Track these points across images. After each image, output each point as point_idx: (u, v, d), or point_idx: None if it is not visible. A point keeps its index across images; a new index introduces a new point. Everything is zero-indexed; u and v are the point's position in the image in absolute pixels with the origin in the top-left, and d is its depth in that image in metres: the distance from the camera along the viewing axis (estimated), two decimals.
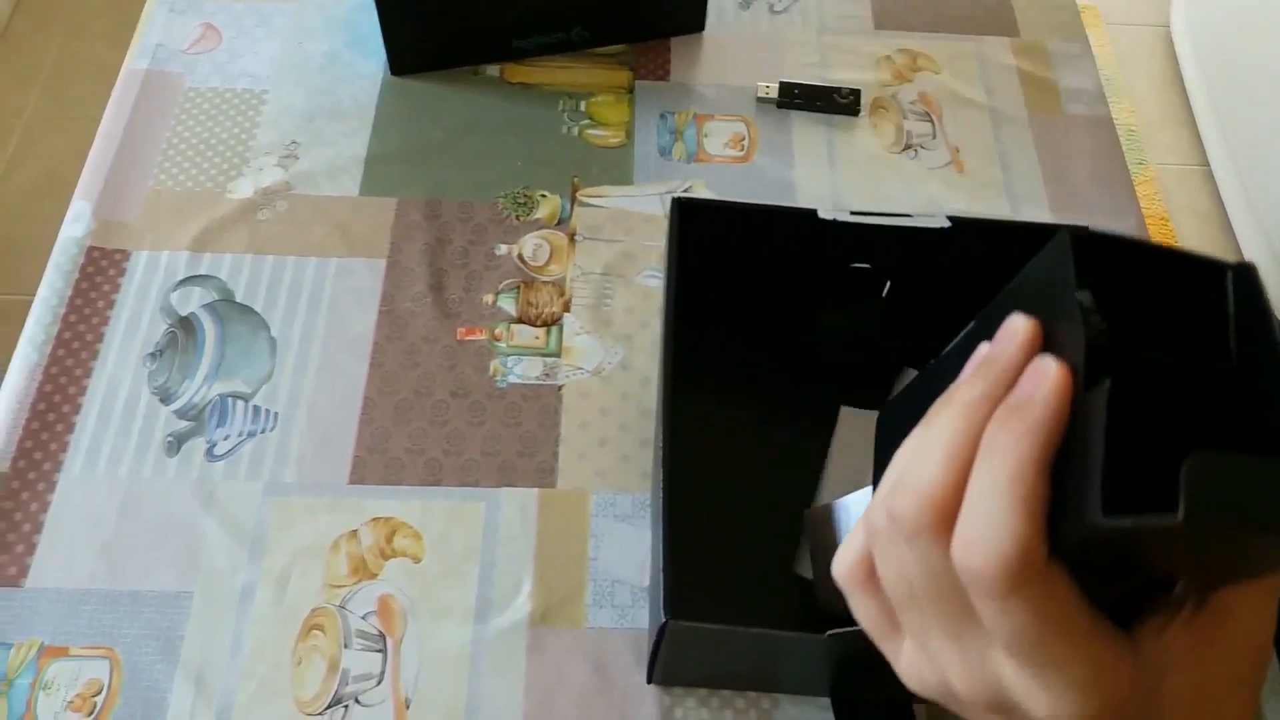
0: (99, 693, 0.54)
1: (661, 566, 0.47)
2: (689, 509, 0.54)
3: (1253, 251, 1.71)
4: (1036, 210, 0.74)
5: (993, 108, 0.79)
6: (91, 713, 0.53)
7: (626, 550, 0.59)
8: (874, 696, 0.55)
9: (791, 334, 0.64)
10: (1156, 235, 1.77)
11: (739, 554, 0.58)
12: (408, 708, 0.54)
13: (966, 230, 0.57)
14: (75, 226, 0.69)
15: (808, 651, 0.49)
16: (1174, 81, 1.98)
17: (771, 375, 0.65)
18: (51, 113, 1.82)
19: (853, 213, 0.57)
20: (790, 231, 0.59)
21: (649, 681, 0.55)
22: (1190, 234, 1.81)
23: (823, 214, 0.57)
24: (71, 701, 0.53)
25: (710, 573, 0.55)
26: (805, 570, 0.57)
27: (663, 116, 0.77)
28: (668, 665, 0.53)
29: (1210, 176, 1.85)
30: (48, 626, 0.55)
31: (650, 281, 0.69)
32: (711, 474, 0.60)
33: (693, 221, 0.57)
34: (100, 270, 0.67)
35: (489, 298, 0.68)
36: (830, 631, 0.44)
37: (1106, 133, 0.79)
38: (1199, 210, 1.84)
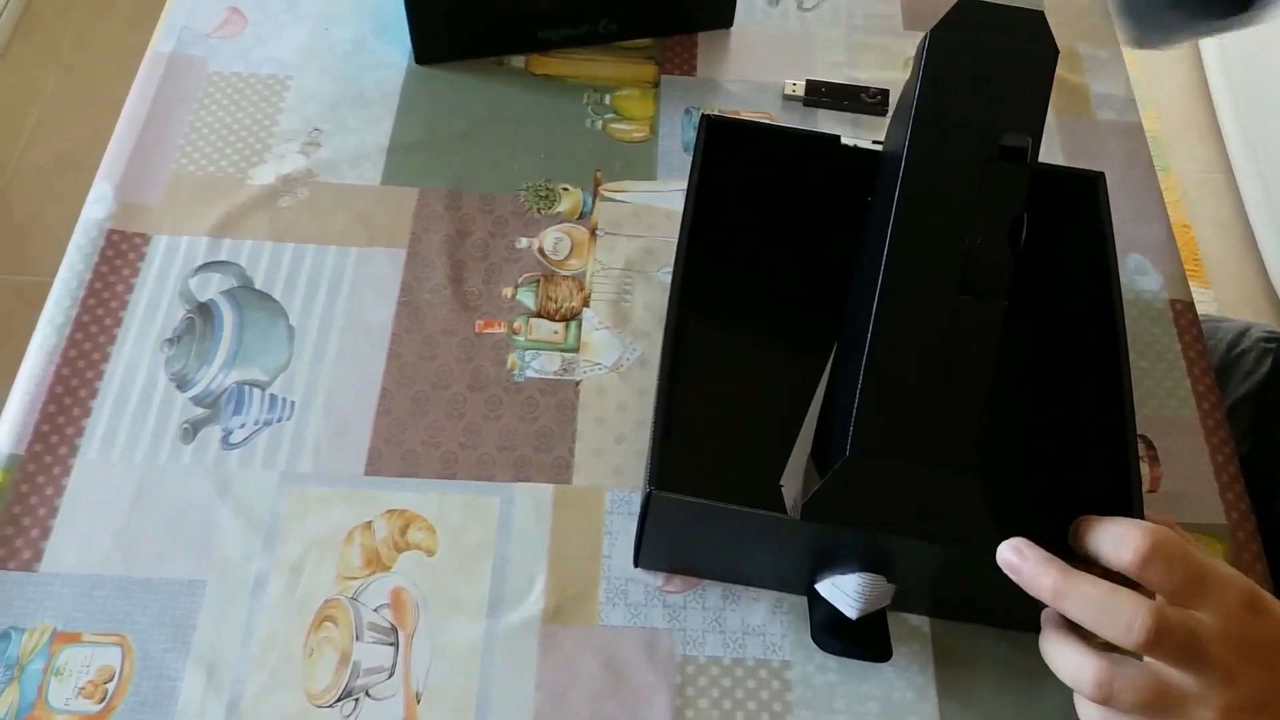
0: (110, 680, 0.54)
1: (654, 444, 0.50)
2: (687, 414, 0.59)
3: (1275, 259, 1.70)
4: None
5: None
6: (103, 700, 0.53)
7: None
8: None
9: (807, 261, 0.65)
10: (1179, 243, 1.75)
11: (730, 461, 0.60)
12: (418, 702, 0.54)
13: None
14: (97, 208, 0.69)
15: (783, 537, 0.51)
16: (1198, 87, 1.96)
17: (783, 300, 0.66)
18: (71, 93, 1.83)
19: (874, 141, 0.58)
20: (813, 158, 0.61)
21: (635, 565, 0.57)
22: (1212, 241, 1.79)
23: (846, 140, 0.60)
24: (83, 688, 0.53)
25: (700, 470, 0.57)
26: (791, 488, 0.58)
27: (688, 112, 0.76)
28: (652, 545, 0.55)
29: (1233, 184, 1.83)
30: (61, 612, 0.55)
31: (670, 278, 0.68)
32: (713, 385, 0.63)
33: (719, 140, 0.60)
34: (120, 254, 0.67)
35: (508, 291, 0.67)
36: (804, 507, 0.48)
37: (1137, 139, 0.78)
38: (1221, 218, 1.83)
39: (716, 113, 0.76)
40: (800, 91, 0.77)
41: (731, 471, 0.60)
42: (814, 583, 0.55)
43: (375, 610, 0.56)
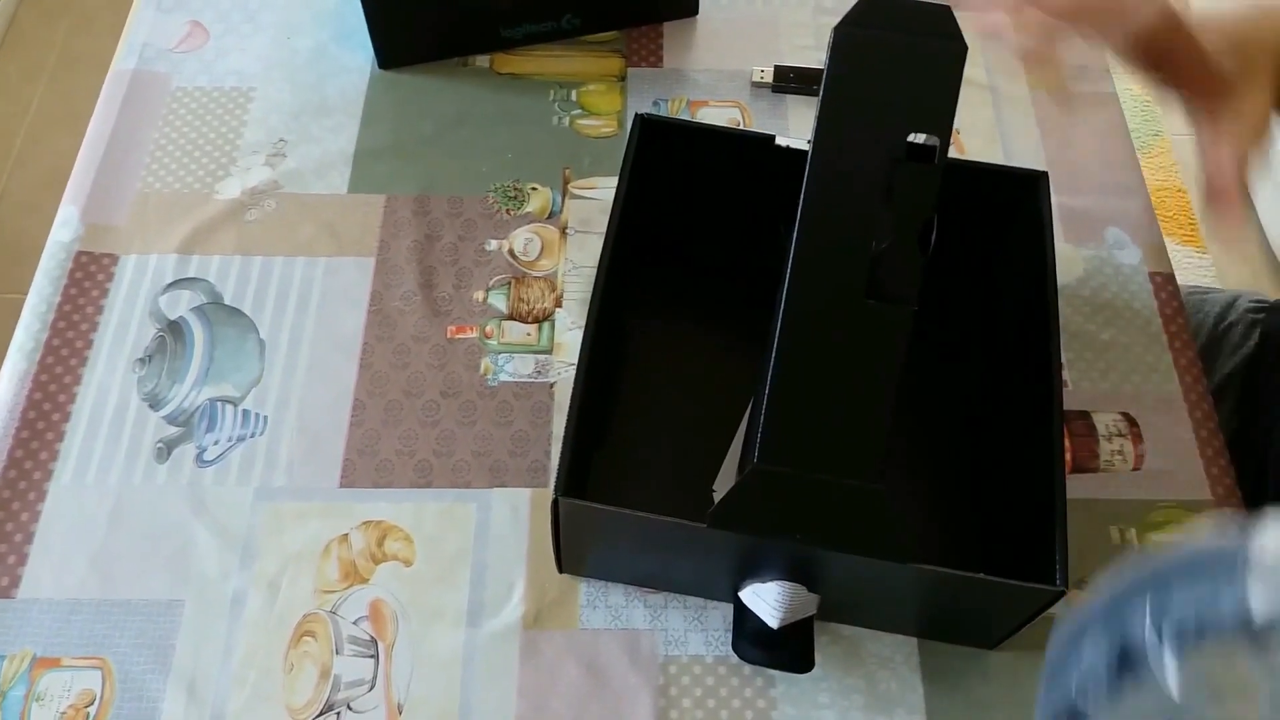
0: (92, 703, 0.54)
1: (565, 448, 0.49)
2: (623, 417, 0.60)
3: (1273, 222, 1.68)
4: None
5: (994, 86, 0.77)
6: None
7: None
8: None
9: (743, 262, 0.64)
10: (1172, 208, 1.73)
11: (665, 466, 0.60)
12: (400, 713, 0.53)
13: None
14: (63, 231, 0.68)
15: (698, 545, 0.50)
16: None
17: (720, 302, 0.65)
18: (57, 109, 1.82)
19: (809, 141, 0.57)
20: (748, 158, 0.60)
21: (559, 570, 0.57)
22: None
23: (780, 141, 0.59)
24: (65, 713, 0.53)
25: (630, 474, 0.59)
26: (722, 494, 0.56)
27: (655, 104, 0.76)
28: (572, 551, 0.55)
29: None
30: (40, 638, 0.55)
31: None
32: (649, 389, 0.62)
33: (653, 139, 0.59)
34: (89, 275, 0.67)
35: (479, 294, 0.67)
36: (712, 516, 0.47)
37: (1112, 110, 0.77)
38: None
39: (684, 104, 0.76)
40: (769, 78, 0.76)
41: (666, 476, 0.59)
42: (736, 591, 0.54)
43: (354, 623, 0.56)
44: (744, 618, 0.53)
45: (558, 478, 0.49)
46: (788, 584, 0.51)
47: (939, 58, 0.46)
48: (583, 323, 0.65)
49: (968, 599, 0.52)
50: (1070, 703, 0.32)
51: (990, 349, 0.63)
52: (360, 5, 0.71)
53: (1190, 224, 1.73)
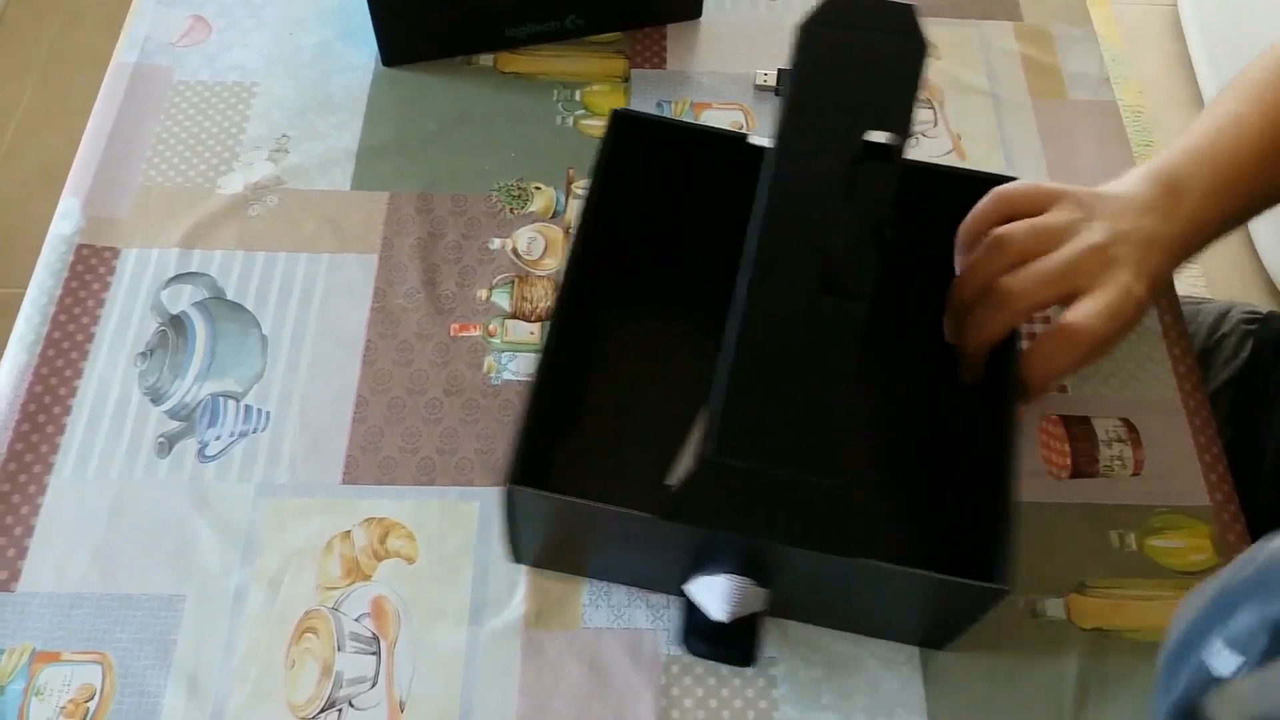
0: (92, 698, 0.53)
1: (518, 436, 0.50)
2: (590, 407, 0.61)
3: (1262, 233, 1.70)
4: None
5: (995, 94, 0.78)
6: (84, 718, 0.53)
7: None
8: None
9: (713, 258, 0.63)
10: None
11: (627, 457, 0.60)
12: (402, 711, 0.53)
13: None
14: (64, 224, 0.68)
15: (650, 536, 0.51)
16: (1182, 61, 1.96)
17: (690, 297, 0.64)
18: (47, 105, 1.81)
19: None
20: (722, 155, 0.60)
21: (514, 560, 0.58)
22: None
23: (752, 139, 0.60)
24: (64, 707, 0.53)
25: (591, 464, 0.59)
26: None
27: (659, 105, 0.76)
28: (524, 540, 0.56)
29: None
30: (39, 631, 0.55)
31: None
32: (615, 381, 0.63)
33: (629, 136, 0.60)
34: (90, 268, 0.66)
35: (483, 293, 0.67)
36: (664, 507, 0.48)
37: (1111, 118, 0.78)
38: None
39: (688, 106, 0.76)
40: (772, 81, 0.77)
41: (629, 470, 0.58)
42: (684, 583, 0.54)
43: (356, 620, 0.56)
44: (692, 611, 0.54)
45: (511, 465, 0.49)
46: (736, 578, 0.51)
47: (900, 57, 0.46)
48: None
49: (914, 596, 0.52)
50: (1204, 672, 0.33)
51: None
52: (365, 2, 0.71)
53: None
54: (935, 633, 0.55)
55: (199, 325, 0.64)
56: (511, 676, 0.54)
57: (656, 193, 0.63)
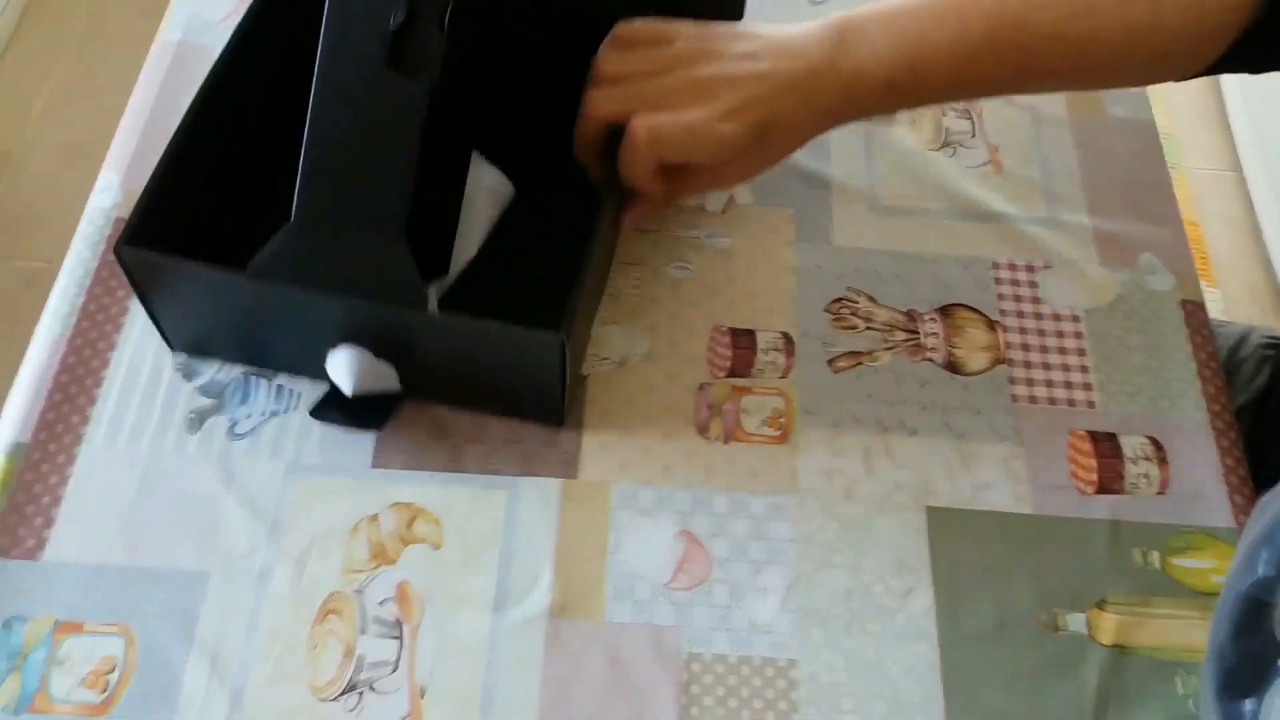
0: (113, 670, 0.53)
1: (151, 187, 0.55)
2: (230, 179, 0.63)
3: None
4: (1075, 213, 0.72)
5: (1033, 107, 0.78)
6: (105, 690, 0.53)
7: (647, 544, 0.58)
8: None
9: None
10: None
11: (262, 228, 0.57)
12: (423, 696, 0.53)
13: None
14: (103, 197, 0.68)
15: (256, 303, 0.57)
16: (1209, 84, 1.95)
17: None
18: (77, 82, 1.82)
19: None
20: None
21: (171, 348, 0.62)
22: (1220, 240, 1.79)
23: None
24: (85, 678, 0.53)
25: (217, 232, 0.59)
26: None
27: None
28: (165, 318, 0.60)
29: (1242, 183, 1.83)
30: (64, 602, 0.55)
31: (679, 273, 0.68)
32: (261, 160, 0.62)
33: None
34: None
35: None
36: (251, 268, 0.54)
37: (1149, 137, 0.77)
38: (1230, 216, 1.82)
39: None
40: None
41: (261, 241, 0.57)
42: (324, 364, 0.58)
43: (380, 604, 0.56)
44: (332, 389, 0.59)
45: (128, 223, 0.54)
46: (355, 347, 0.56)
47: None
48: (617, 319, 0.66)
49: (501, 354, 0.58)
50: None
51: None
52: None
53: (1202, 257, 1.74)
54: (544, 401, 0.60)
55: None
56: (534, 666, 0.55)
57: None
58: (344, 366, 0.56)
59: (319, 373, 0.59)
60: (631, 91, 0.58)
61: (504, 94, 0.67)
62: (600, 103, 0.59)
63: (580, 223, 0.59)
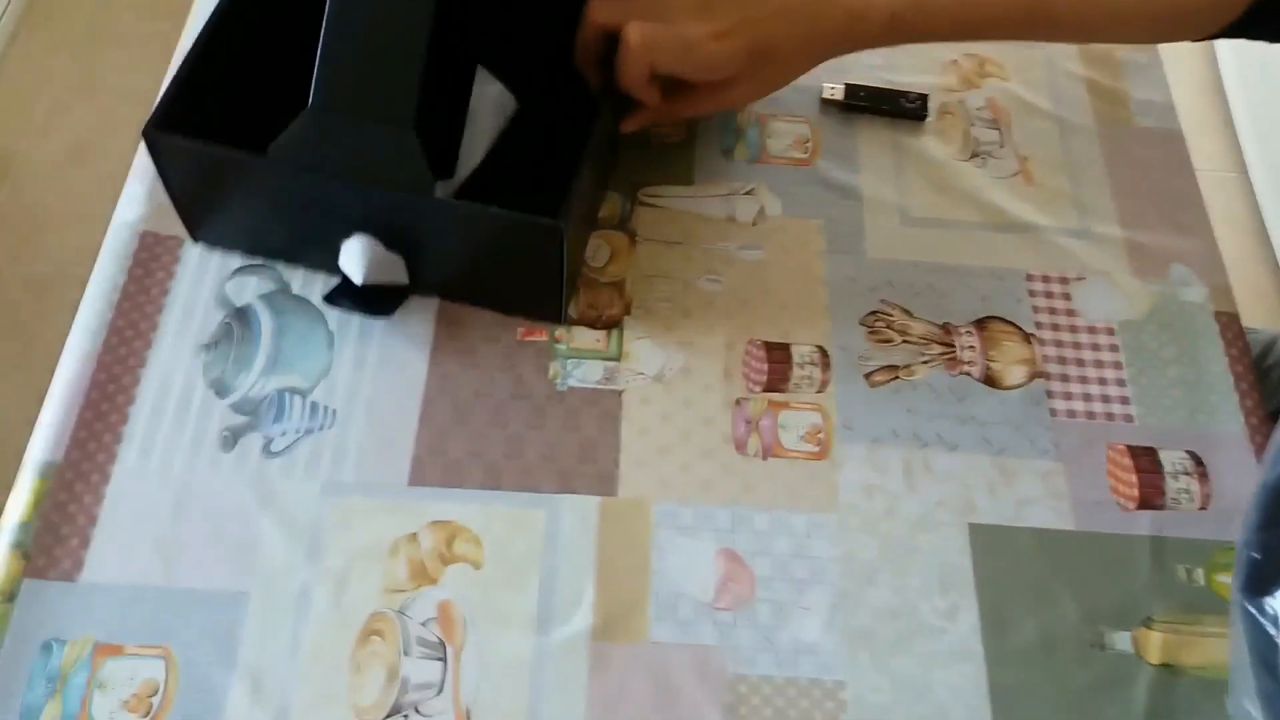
0: (155, 693, 0.53)
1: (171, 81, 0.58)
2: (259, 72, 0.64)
3: None
4: (1106, 224, 0.72)
5: (1060, 117, 0.78)
6: (148, 713, 0.52)
7: (689, 563, 0.58)
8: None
9: None
10: None
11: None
12: (468, 719, 0.53)
13: None
14: (129, 210, 0.68)
15: (277, 188, 0.60)
16: (1213, 86, 1.95)
17: None
18: (80, 81, 1.80)
19: None
20: None
21: (193, 238, 0.66)
22: (1224, 240, 1.78)
23: None
24: (127, 701, 0.53)
25: (245, 119, 0.59)
26: None
27: (725, 114, 0.75)
28: (190, 208, 0.63)
29: (1247, 183, 1.83)
30: (102, 623, 0.54)
31: (711, 286, 0.68)
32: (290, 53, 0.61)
33: None
34: (154, 256, 0.66)
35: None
36: (271, 149, 0.56)
37: (1177, 147, 0.77)
38: (1234, 217, 1.82)
39: (753, 117, 0.76)
40: (839, 95, 0.76)
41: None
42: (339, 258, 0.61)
43: (423, 624, 0.55)
44: (345, 280, 0.61)
45: (156, 108, 0.57)
46: (367, 236, 0.59)
47: None
48: (652, 333, 0.65)
49: (504, 245, 0.60)
50: None
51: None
52: None
53: None
54: (544, 296, 0.63)
55: (264, 318, 0.64)
56: (579, 688, 0.54)
57: None
58: (355, 256, 0.59)
59: (331, 266, 0.61)
60: (632, 4, 0.60)
61: (508, 7, 0.69)
62: (601, 10, 0.61)
63: (580, 135, 0.61)
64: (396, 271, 0.62)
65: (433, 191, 0.58)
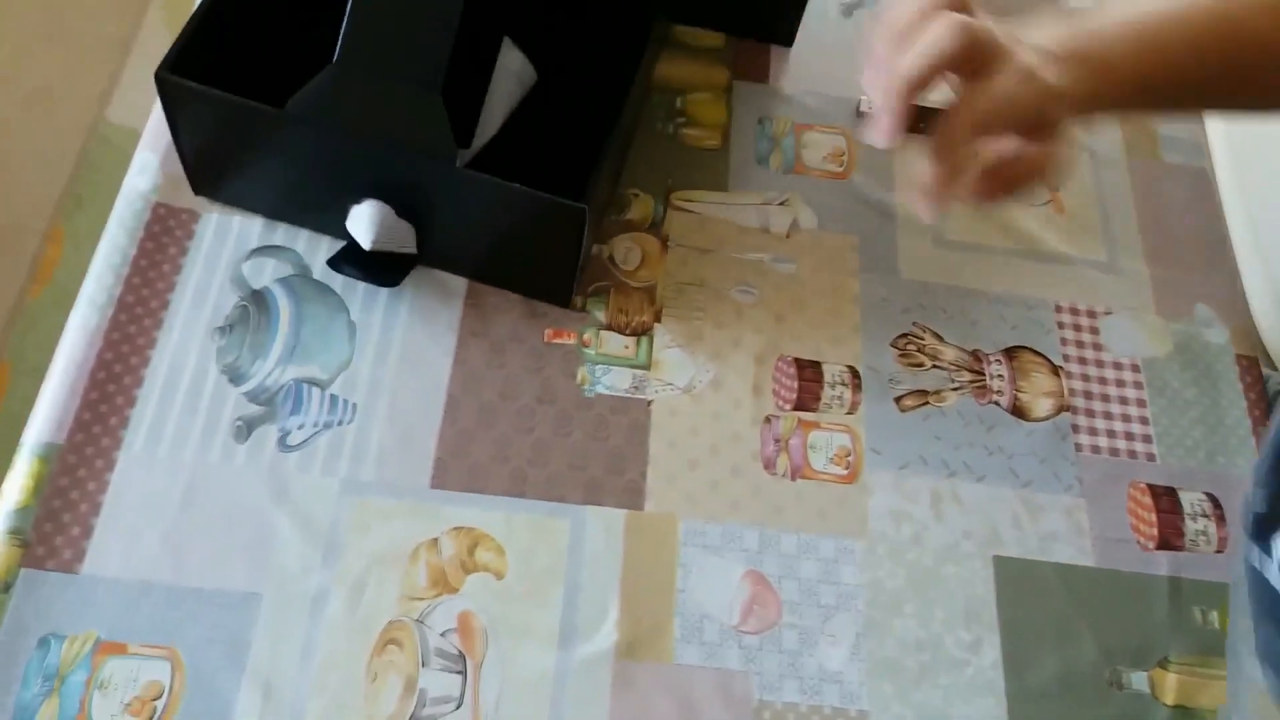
0: (159, 696, 0.50)
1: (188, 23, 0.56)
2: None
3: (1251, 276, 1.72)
4: (1133, 259, 0.72)
5: (1092, 150, 0.77)
6: (152, 717, 0.50)
7: (716, 584, 0.57)
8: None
9: None
10: None
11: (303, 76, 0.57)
12: None
13: None
14: (141, 179, 0.64)
15: (291, 145, 0.58)
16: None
17: None
18: (46, 26, 1.73)
19: None
20: None
21: (195, 191, 0.63)
22: None
23: None
24: (130, 704, 0.50)
25: (260, 72, 0.57)
26: None
27: (760, 122, 0.74)
28: (195, 159, 0.61)
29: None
30: (105, 619, 0.52)
31: (743, 297, 0.66)
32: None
33: None
34: (167, 230, 0.63)
35: (578, 299, 0.64)
36: (290, 103, 0.54)
37: (1204, 185, 0.77)
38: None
39: (790, 126, 0.74)
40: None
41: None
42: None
43: (442, 635, 0.53)
44: (351, 245, 0.59)
45: (169, 52, 0.55)
46: (378, 202, 0.57)
47: None
48: (682, 343, 0.64)
49: (521, 222, 0.59)
50: None
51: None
52: None
53: None
54: (555, 277, 0.61)
55: (283, 304, 0.61)
56: (601, 707, 0.53)
57: None
58: (365, 220, 0.57)
59: (338, 230, 0.59)
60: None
61: None
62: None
63: (595, 112, 0.60)
64: (406, 240, 0.60)
65: (455, 156, 0.56)
